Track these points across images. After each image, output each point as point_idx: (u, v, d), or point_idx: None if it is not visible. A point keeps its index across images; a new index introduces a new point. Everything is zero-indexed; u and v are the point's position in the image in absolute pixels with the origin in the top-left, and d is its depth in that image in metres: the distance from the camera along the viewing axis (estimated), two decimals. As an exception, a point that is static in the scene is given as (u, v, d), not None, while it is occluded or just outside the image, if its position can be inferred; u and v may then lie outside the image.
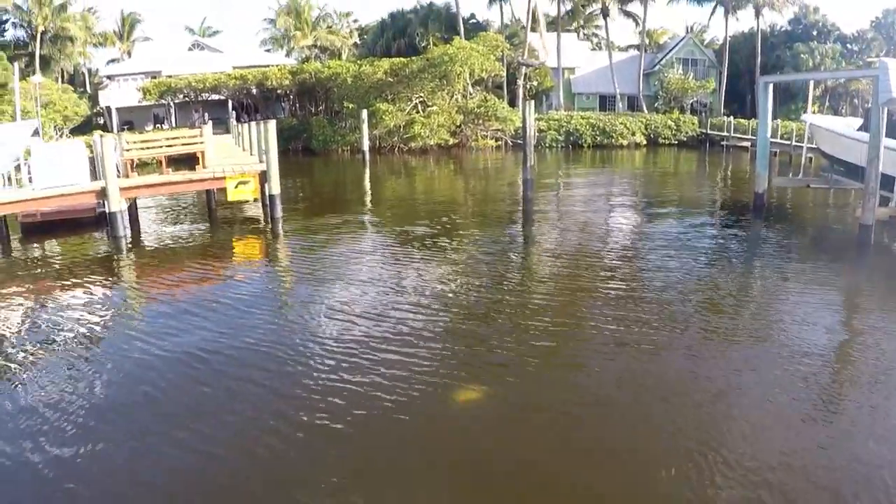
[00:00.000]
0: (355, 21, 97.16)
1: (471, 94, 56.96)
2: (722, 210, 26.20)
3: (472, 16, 77.90)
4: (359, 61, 60.84)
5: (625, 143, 58.84)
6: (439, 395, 9.29)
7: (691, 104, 68.92)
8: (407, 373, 9.97)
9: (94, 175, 21.97)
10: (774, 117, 36.87)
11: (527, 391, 9.42)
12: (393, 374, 9.90)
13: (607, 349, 10.88)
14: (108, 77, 72.08)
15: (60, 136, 51.08)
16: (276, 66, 63.36)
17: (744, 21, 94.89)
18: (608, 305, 13.29)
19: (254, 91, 62.96)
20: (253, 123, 28.89)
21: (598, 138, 58.94)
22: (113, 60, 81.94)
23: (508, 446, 7.89)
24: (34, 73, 57.30)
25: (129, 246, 20.47)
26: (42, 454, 7.96)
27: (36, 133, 30.34)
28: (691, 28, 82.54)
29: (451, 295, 14.24)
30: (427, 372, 10.01)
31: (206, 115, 61.15)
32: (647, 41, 77.17)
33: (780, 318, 12.61)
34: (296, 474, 7.36)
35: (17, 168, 22.74)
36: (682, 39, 77.75)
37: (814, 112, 42.93)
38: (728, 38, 70.92)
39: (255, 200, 24.90)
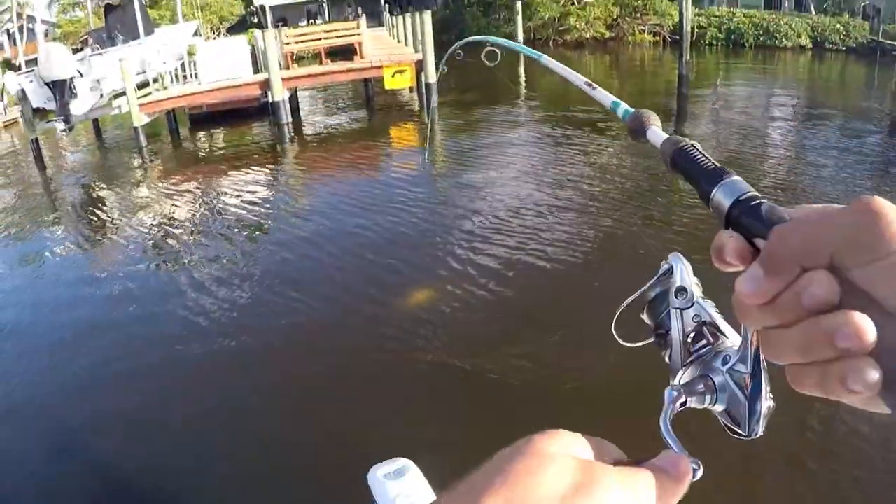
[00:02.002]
0: None
1: (629, -17, 55.02)
2: (881, 127, 24.22)
3: None
4: (512, -51, 59.59)
5: (789, 45, 54.72)
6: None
7: (863, 7, 64.14)
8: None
9: (256, 68, 22.60)
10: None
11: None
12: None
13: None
14: (261, -23, 73.02)
15: (217, 35, 52.47)
16: (428, -43, 62.69)
17: None
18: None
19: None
20: (407, 15, 28.80)
21: (761, 38, 55.14)
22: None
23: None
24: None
25: (292, 133, 21.04)
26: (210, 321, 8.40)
27: (197, 33, 31.31)
28: None
29: (587, 189, 13.90)
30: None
31: (360, 9, 61.37)
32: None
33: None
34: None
35: (183, 66, 23.63)
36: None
37: None
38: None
39: (412, 89, 24.96)
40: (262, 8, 67.08)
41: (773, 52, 51.42)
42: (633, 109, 0.98)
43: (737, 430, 0.69)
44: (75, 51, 23.73)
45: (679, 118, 22.55)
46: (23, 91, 22.08)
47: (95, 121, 25.66)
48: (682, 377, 0.74)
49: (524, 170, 15.26)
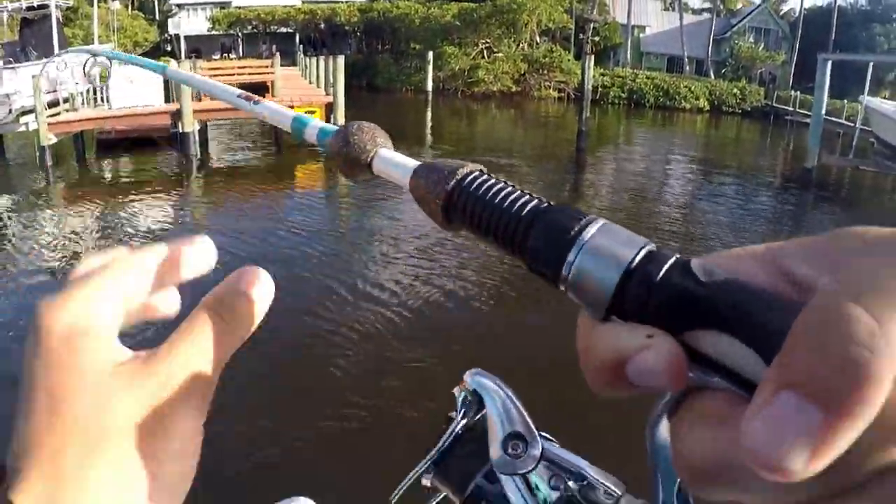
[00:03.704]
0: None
1: (537, 43, 56.87)
2: (770, 180, 26.19)
3: (544, -37, 77.14)
4: (427, 3, 60.95)
5: (688, 106, 57.63)
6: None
7: (759, 74, 67.77)
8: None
9: (168, 98, 22.99)
10: (845, 97, 36.36)
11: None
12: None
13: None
14: (178, 5, 72.94)
15: (129, 60, 52.22)
16: (346, 2, 63.72)
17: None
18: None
19: (322, 26, 63.50)
20: (321, 58, 29.54)
21: (661, 99, 57.87)
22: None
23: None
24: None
25: (199, 165, 21.43)
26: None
27: (111, 56, 31.36)
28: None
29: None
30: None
31: (274, 47, 61.92)
32: (720, 5, 75.81)
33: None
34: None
35: (94, 89, 23.86)
36: (756, 7, 75.77)
37: (884, 97, 41.95)
38: (803, 12, 69.42)
39: (320, 130, 25.57)
40: (177, 37, 67.38)
41: (672, 113, 53.85)
42: (336, 127, 0.60)
43: None
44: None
45: (578, 170, 23.78)
46: (-73, 99, 22.01)
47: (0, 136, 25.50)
48: None
49: (421, 217, 16.01)
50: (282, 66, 28.16)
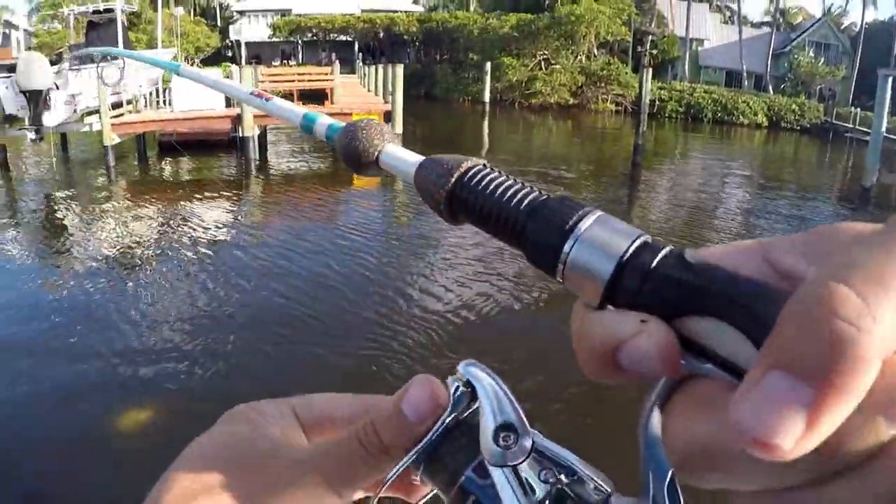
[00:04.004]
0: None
1: (595, 56, 56.59)
2: (827, 198, 25.74)
3: (604, -24, 76.73)
4: (486, 14, 60.99)
5: (746, 122, 56.68)
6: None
7: (819, 90, 66.59)
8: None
9: (229, 102, 23.28)
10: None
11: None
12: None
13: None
14: (239, 12, 74.00)
15: (192, 65, 53.07)
16: (405, 12, 64.11)
17: (884, 9, 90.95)
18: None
19: (381, 35, 63.91)
20: (380, 66, 29.72)
21: (719, 114, 57.07)
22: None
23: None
24: (167, 5, 59.37)
25: (258, 168, 21.70)
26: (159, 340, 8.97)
27: (174, 60, 31.92)
28: (828, 10, 79.31)
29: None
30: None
31: (333, 54, 62.45)
32: (780, 19, 74.72)
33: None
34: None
35: (157, 91, 24.34)
36: (817, 21, 74.50)
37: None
38: (864, 26, 68.16)
39: (377, 138, 25.70)
40: (238, 43, 68.36)
41: (730, 128, 52.94)
42: (342, 123, 0.60)
43: None
44: (51, 62, 24.21)
45: (633, 184, 23.55)
46: (-4, 95, 22.54)
47: (64, 135, 26.08)
48: None
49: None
50: (341, 73, 28.36)
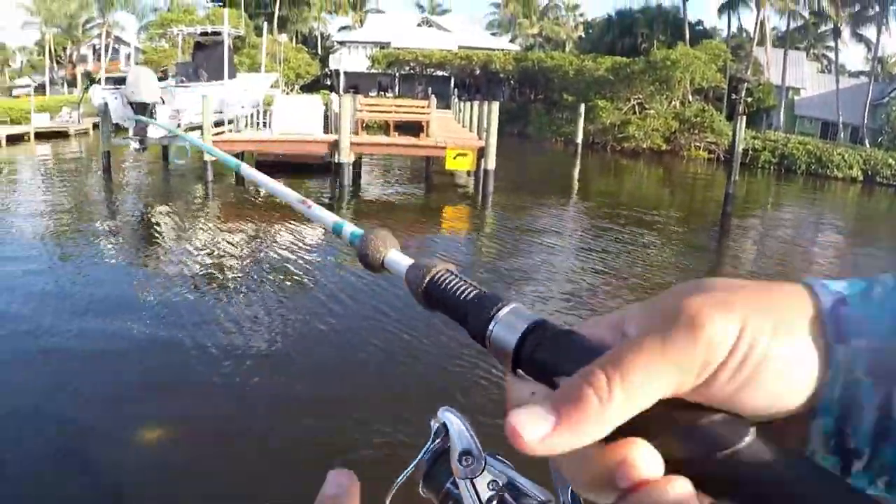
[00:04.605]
0: (581, 15, 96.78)
1: (689, 102, 56.02)
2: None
3: (699, 22, 75.73)
4: (581, 55, 61.02)
5: (840, 175, 54.85)
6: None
7: (919, 143, 64.38)
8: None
9: (326, 128, 23.78)
10: None
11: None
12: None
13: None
14: (340, 43, 75.68)
15: (292, 90, 54.34)
16: (501, 50, 64.66)
17: None
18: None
19: (477, 72, 64.48)
20: (475, 102, 29.91)
21: (813, 166, 55.47)
22: (345, 28, 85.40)
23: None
24: (271, 32, 60.88)
25: (351, 195, 21.97)
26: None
27: (275, 85, 32.81)
28: (929, 59, 77.32)
29: (616, 289, 14.49)
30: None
31: (430, 88, 63.19)
32: (878, 69, 72.93)
33: None
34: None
35: (257, 113, 25.02)
36: (917, 72, 72.85)
37: None
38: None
39: (469, 173, 25.87)
40: (337, 72, 69.76)
41: (823, 181, 51.30)
42: (361, 231, 0.76)
43: None
44: (158, 79, 25.08)
45: (722, 234, 23.13)
46: (105, 105, 23.44)
47: (165, 147, 26.91)
48: None
49: (567, 266, 15.90)
50: (436, 108, 28.62)
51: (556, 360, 0.46)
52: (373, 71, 65.81)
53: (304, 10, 77.20)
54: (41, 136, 42.23)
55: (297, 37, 79.51)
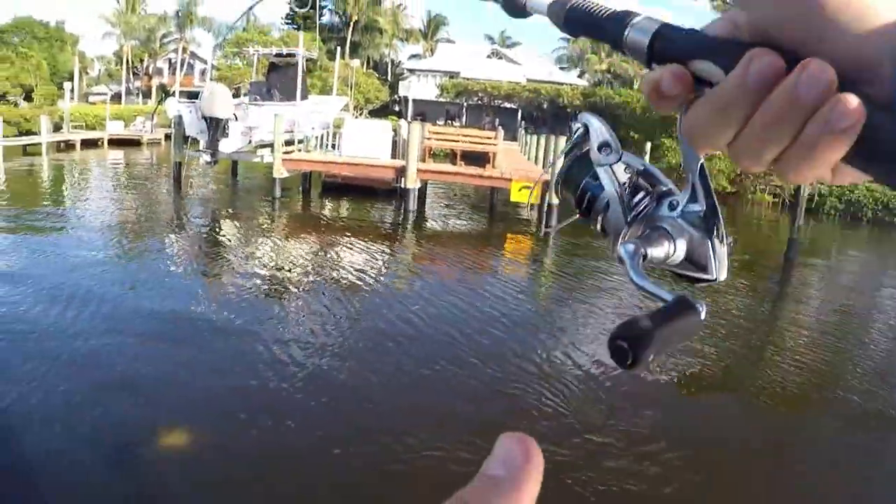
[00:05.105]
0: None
1: (756, 145, 55.37)
2: None
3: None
4: (650, 95, 60.71)
5: None
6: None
7: None
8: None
9: (394, 154, 24.08)
10: None
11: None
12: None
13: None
14: (409, 70, 76.43)
15: (360, 115, 55.05)
16: (569, 85, 64.73)
17: None
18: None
19: (544, 105, 64.63)
20: (542, 136, 30.02)
21: (881, 214, 54.34)
22: (415, 56, 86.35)
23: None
24: (343, 56, 61.80)
25: (414, 221, 22.16)
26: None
27: (346, 108, 33.33)
28: None
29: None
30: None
31: (497, 119, 63.46)
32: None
33: None
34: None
35: (326, 135, 25.51)
36: None
37: None
38: None
39: (533, 207, 25.89)
40: (406, 99, 70.43)
41: (890, 230, 49.97)
42: None
43: (703, 276, 0.68)
44: (232, 95, 25.67)
45: (784, 279, 22.82)
46: (180, 118, 24.05)
47: (235, 162, 27.47)
48: (629, 235, 0.69)
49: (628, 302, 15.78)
50: (503, 139, 28.75)
51: (684, 48, 0.55)
52: (441, 99, 66.30)
53: (377, 37, 78.42)
54: (114, 142, 43.52)
55: (368, 62, 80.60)
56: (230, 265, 15.53)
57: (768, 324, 16.55)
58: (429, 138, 24.77)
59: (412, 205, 22.56)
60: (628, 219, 0.70)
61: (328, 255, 16.82)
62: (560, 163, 0.77)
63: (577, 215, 0.75)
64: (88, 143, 41.92)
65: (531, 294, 16.38)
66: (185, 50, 70.57)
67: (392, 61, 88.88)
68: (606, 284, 16.68)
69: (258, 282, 13.85)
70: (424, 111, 67.94)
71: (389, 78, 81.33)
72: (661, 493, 7.18)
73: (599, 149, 0.72)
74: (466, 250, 19.48)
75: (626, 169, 0.71)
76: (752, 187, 53.63)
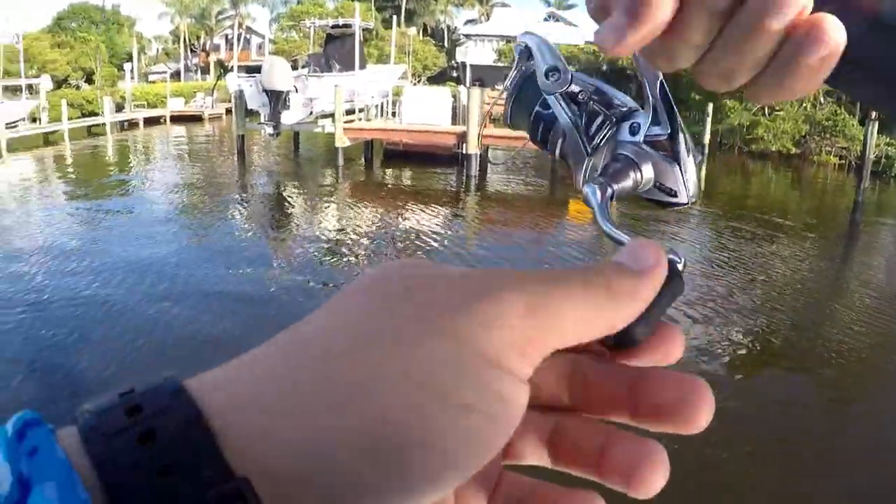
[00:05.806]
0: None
1: (821, 103, 54.13)
2: None
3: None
4: (712, 53, 59.71)
5: None
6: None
7: None
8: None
9: (454, 120, 24.07)
10: None
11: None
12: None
13: None
14: (466, 36, 76.01)
15: (418, 82, 55.09)
16: (630, 47, 63.89)
17: None
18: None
19: (604, 68, 63.88)
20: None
21: None
22: (471, 21, 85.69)
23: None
24: (399, 24, 61.75)
25: (476, 186, 22.17)
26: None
27: (404, 76, 33.42)
28: None
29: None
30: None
31: (558, 83, 62.91)
32: None
33: None
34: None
35: (386, 103, 25.62)
36: None
37: None
38: None
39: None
40: (463, 65, 70.07)
41: None
42: None
43: (673, 200, 0.63)
44: (290, 68, 25.93)
45: (849, 243, 22.43)
46: (241, 92, 24.32)
47: (297, 133, 27.71)
48: (592, 166, 0.65)
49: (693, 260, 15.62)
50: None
51: None
52: (499, 64, 65.89)
53: (431, 4, 78.16)
54: (176, 119, 44.12)
55: (424, 29, 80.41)
56: (302, 231, 16.05)
57: (833, 287, 16.29)
58: (489, 104, 24.73)
59: (474, 170, 22.55)
60: (588, 150, 0.65)
61: (389, 223, 16.98)
62: (506, 92, 0.70)
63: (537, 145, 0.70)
64: (151, 121, 42.59)
65: (597, 258, 16.33)
66: (240, 25, 71.01)
67: (448, 27, 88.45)
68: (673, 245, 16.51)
69: (330, 245, 14.19)
70: (482, 76, 67.55)
71: (446, 44, 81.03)
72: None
73: (546, 75, 0.63)
74: (528, 214, 19.46)
75: (580, 92, 0.65)
76: (817, 149, 52.41)
